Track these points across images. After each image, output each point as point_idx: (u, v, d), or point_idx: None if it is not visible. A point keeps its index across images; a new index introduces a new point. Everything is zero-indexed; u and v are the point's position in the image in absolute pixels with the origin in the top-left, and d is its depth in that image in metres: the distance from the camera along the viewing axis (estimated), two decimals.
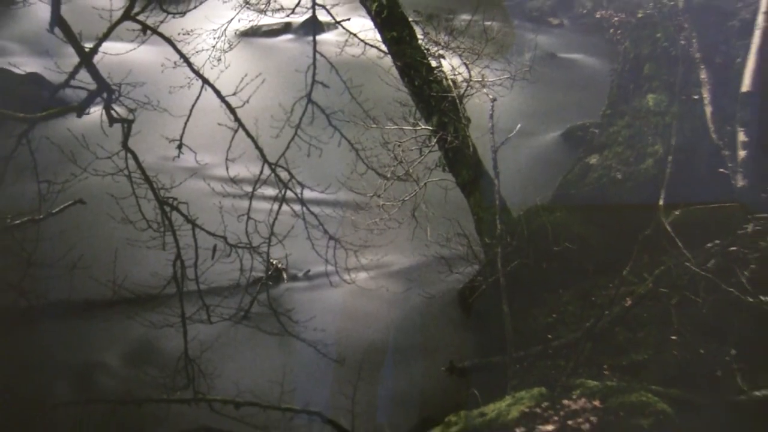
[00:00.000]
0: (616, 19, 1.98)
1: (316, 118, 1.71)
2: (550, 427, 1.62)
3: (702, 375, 1.70)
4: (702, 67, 1.71)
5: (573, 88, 1.90)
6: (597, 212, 1.73)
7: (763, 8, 1.70)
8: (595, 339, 1.75)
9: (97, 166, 1.65)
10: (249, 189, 1.74)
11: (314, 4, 1.66)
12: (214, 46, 1.69)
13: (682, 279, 1.74)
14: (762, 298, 1.68)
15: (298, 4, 1.67)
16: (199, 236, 1.70)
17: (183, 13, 1.65)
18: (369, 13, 1.69)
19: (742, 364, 1.67)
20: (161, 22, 1.64)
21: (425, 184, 1.76)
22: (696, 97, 1.73)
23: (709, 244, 1.70)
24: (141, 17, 1.62)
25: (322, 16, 1.69)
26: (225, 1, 1.75)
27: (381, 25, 1.68)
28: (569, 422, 1.64)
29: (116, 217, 1.65)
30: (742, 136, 1.65)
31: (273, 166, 1.72)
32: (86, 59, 1.63)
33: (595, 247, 1.74)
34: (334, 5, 1.71)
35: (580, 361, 1.73)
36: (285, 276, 1.80)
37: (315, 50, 1.64)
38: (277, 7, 1.73)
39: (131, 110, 1.67)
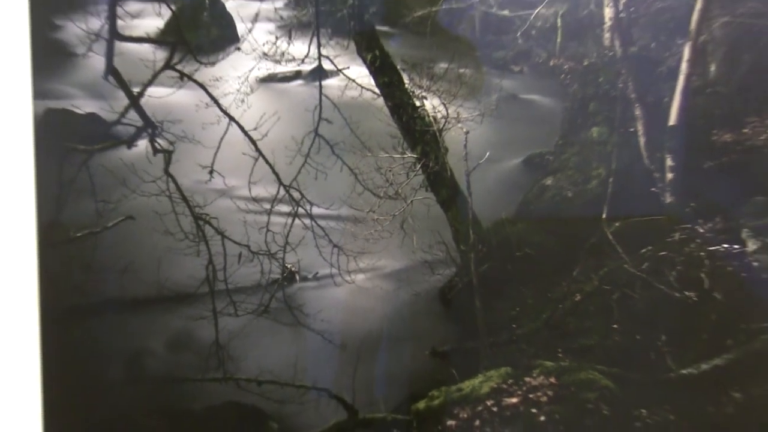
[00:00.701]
0: (566, 66, 2.06)
1: (322, 149, 1.85)
2: (514, 400, 1.72)
3: (638, 357, 1.78)
4: (636, 105, 1.88)
5: (531, 123, 1.97)
6: (552, 224, 1.93)
7: (685, 57, 1.83)
8: (551, 328, 1.86)
9: (143, 189, 1.77)
10: (267, 206, 1.86)
11: (320, 55, 1.81)
12: (238, 90, 1.82)
13: (622, 278, 1.85)
14: (686, 293, 1.76)
15: (306, 56, 1.81)
16: (227, 245, 1.81)
17: (213, 63, 1.83)
18: (365, 62, 1.85)
19: (670, 347, 1.75)
20: (195, 70, 1.80)
21: (411, 201, 1.88)
22: (632, 129, 1.89)
23: (643, 250, 1.83)
24: (179, 67, 1.78)
25: (327, 65, 1.84)
26: (247, 54, 1.93)
27: (375, 72, 1.86)
28: (530, 396, 1.74)
29: (159, 230, 1.76)
30: (669, 162, 1.84)
31: (287, 188, 1.86)
32: (134, 101, 1.77)
33: (550, 253, 1.89)
34: (336, 56, 1.83)
35: (539, 346, 1.84)
36: (297, 277, 1.90)
37: (321, 93, 1.86)
38: (290, 58, 1.87)
39: (171, 143, 1.80)
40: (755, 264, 1.73)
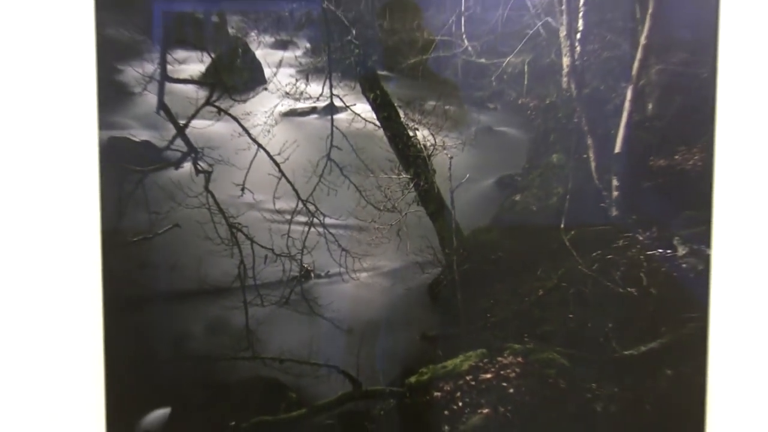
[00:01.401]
0: (531, 104, 2.06)
1: (333, 170, 1.90)
2: (488, 375, 1.82)
3: (589, 340, 1.85)
4: (588, 136, 1.92)
5: (503, 150, 1.92)
6: (519, 232, 1.96)
7: (628, 97, 1.85)
8: (518, 317, 1.91)
9: (187, 202, 1.85)
10: (288, 217, 1.91)
11: (332, 94, 1.88)
12: (265, 122, 1.88)
13: (576, 277, 1.90)
14: (628, 289, 1.84)
15: (321, 95, 1.87)
16: (255, 249, 1.88)
17: (245, 101, 1.86)
18: (368, 100, 1.91)
19: (615, 333, 1.83)
20: (230, 106, 1.85)
21: (406, 213, 1.92)
22: (585, 156, 1.92)
23: (594, 254, 1.89)
24: (217, 103, 1.85)
25: (337, 103, 1.90)
26: (272, 93, 1.86)
27: (376, 108, 1.93)
28: (501, 372, 1.83)
29: (200, 236, 1.85)
30: (615, 182, 1.90)
31: (304, 202, 1.90)
32: (180, 131, 1.84)
33: (518, 256, 1.94)
34: (345, 95, 1.90)
35: (509, 332, 1.90)
36: (312, 275, 1.94)
37: (332, 125, 1.92)
38: (307, 96, 1.88)
39: (210, 165, 1.85)
40: (684, 266, 1.79)
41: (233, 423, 1.87)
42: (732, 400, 1.89)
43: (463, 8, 1.81)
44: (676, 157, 1.82)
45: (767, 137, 1.83)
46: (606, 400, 1.85)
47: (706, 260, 1.81)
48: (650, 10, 1.78)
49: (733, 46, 1.81)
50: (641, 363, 1.85)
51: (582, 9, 1.80)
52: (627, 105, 1.83)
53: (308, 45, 1.84)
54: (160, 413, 1.86)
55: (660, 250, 1.84)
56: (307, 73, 1.84)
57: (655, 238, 1.84)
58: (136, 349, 1.84)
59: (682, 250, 1.84)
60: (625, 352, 1.85)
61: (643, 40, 1.79)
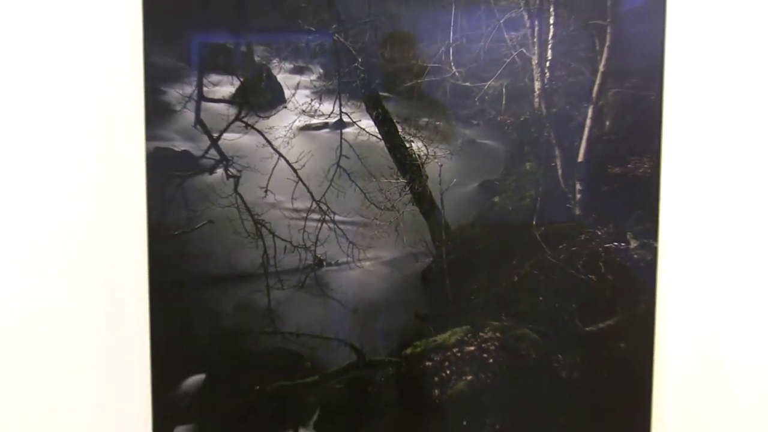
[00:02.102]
0: (509, 121, 1.80)
1: (342, 176, 1.99)
2: (472, 348, 1.95)
3: (556, 319, 1.99)
4: (556, 147, 2.02)
5: (484, 159, 2.02)
6: (498, 228, 2.04)
7: (589, 116, 1.97)
8: (497, 299, 2.01)
9: (219, 202, 1.95)
10: (304, 215, 2.00)
11: (341, 112, 1.97)
12: (285, 135, 1.98)
13: (546, 266, 2.01)
14: (589, 276, 1.97)
15: (332, 113, 1.97)
16: (276, 241, 1.98)
17: (268, 117, 1.96)
18: (371, 117, 1.99)
19: (578, 313, 1.98)
20: (255, 122, 1.95)
21: (403, 212, 2.01)
22: (553, 164, 2.01)
23: (561, 246, 2.00)
24: (245, 119, 1.95)
25: (345, 119, 1.99)
26: (291, 111, 1.96)
27: (378, 123, 2.00)
28: (483, 345, 1.96)
29: (230, 230, 1.95)
30: (578, 186, 2.01)
31: (318, 202, 2.00)
32: (214, 143, 1.94)
33: (497, 248, 2.02)
34: (352, 113, 1.99)
35: (489, 312, 2.00)
36: (324, 263, 2.03)
37: (341, 138, 2.00)
38: (320, 114, 1.98)
39: (239, 171, 1.95)
40: (635, 256, 1.94)
41: (257, 387, 1.98)
42: (675, 368, 2.04)
43: (451, 40, 1.90)
44: (629, 165, 1.94)
45: (705, 149, 1.99)
46: (570, 368, 1.99)
47: (653, 252, 1.95)
48: (607, 43, 1.91)
49: (676, 73, 1.95)
50: (599, 337, 1.99)
51: (551, 42, 1.91)
52: (588, 122, 1.96)
53: (321, 71, 1.94)
54: (197, 378, 1.98)
55: (615, 243, 1.96)
56: (320, 94, 1.94)
57: (612, 233, 1.97)
58: (176, 325, 1.95)
59: (633, 243, 1.97)
60: (586, 329, 1.98)
61: (601, 68, 1.92)
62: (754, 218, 2.04)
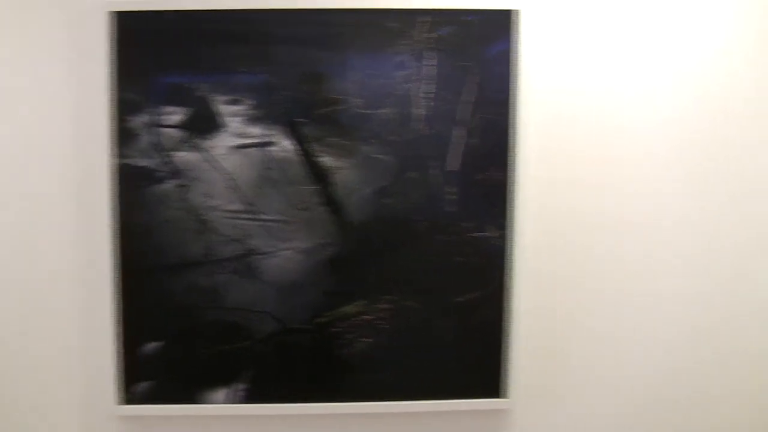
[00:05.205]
0: (398, 140, 2.21)
1: (268, 184, 2.21)
2: (370, 317, 2.26)
3: (436, 292, 2.29)
4: (435, 160, 2.28)
5: (379, 170, 2.25)
6: (390, 223, 2.28)
7: (460, 135, 2.21)
8: (390, 279, 2.30)
9: (172, 206, 2.20)
10: (238, 215, 2.24)
11: (268, 134, 2.18)
12: (223, 153, 2.21)
13: (428, 252, 2.30)
14: (461, 258, 2.27)
15: (260, 134, 2.18)
16: (217, 236, 2.24)
17: (210, 138, 2.18)
18: (292, 138, 2.20)
19: (452, 287, 2.30)
20: (201, 142, 2.19)
21: (315, 212, 2.25)
22: (432, 173, 2.26)
23: (438, 236, 2.28)
24: (192, 140, 2.17)
25: (272, 139, 2.20)
26: (228, 134, 2.19)
27: (297, 143, 2.21)
28: (378, 314, 2.27)
29: (181, 228, 2.22)
30: (452, 190, 2.27)
31: (249, 205, 2.21)
32: (168, 159, 2.18)
33: (390, 239, 2.29)
34: (276, 135, 2.21)
35: (383, 289, 2.29)
36: (254, 253, 2.27)
37: (268, 154, 2.18)
38: (251, 135, 2.19)
39: (187, 181, 2.20)
40: (495, 243, 2.28)
41: (204, 350, 2.20)
42: (524, 329, 2.36)
43: (354, 78, 2.11)
44: (488, 173, 2.23)
45: (549, 160, 2.36)
46: (444, 330, 2.27)
47: (510, 240, 2.26)
48: (476, 80, 2.14)
49: (526, 104, 2.21)
50: (468, 306, 2.27)
51: (430, 79, 2.14)
52: (460, 140, 2.25)
53: (252, 102, 2.11)
54: (156, 345, 2.19)
55: (479, 234, 2.24)
56: (251, 120, 2.13)
57: (477, 226, 2.24)
58: (140, 303, 2.17)
59: (493, 233, 2.32)
60: (457, 299, 2.26)
61: (471, 99, 2.15)
62: (581, 212, 2.42)
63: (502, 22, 2.14)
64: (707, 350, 2.38)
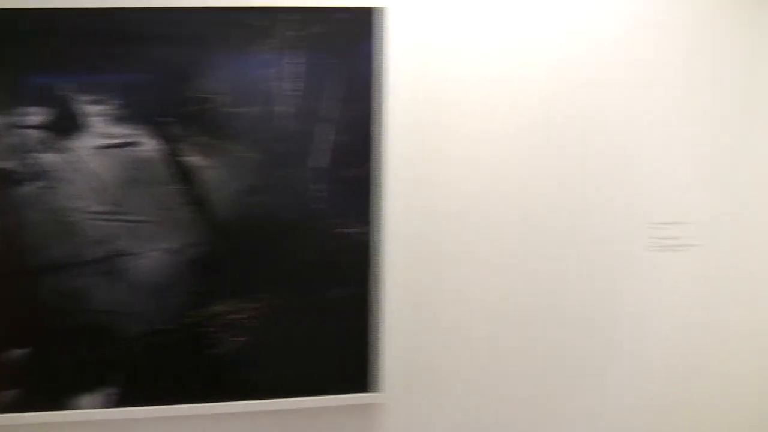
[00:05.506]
0: (266, 137, 2.27)
1: (134, 183, 2.22)
2: (240, 315, 2.27)
3: (306, 289, 2.32)
4: (304, 157, 2.33)
5: (247, 168, 2.32)
6: (257, 221, 2.30)
7: (329, 132, 2.26)
8: (259, 277, 2.33)
9: (38, 208, 2.17)
10: (105, 216, 2.22)
11: (130, 134, 2.18)
12: (88, 153, 2.19)
13: (296, 246, 2.33)
14: (328, 253, 2.29)
15: (125, 134, 2.18)
16: (84, 237, 2.23)
17: (74, 139, 2.14)
18: (158, 137, 2.19)
19: (322, 282, 2.34)
20: (65, 142, 2.18)
21: (183, 211, 2.27)
22: (302, 169, 2.30)
23: (307, 232, 2.33)
24: (56, 141, 2.13)
25: (138, 139, 2.20)
26: (92, 135, 2.18)
27: (164, 142, 2.21)
28: (248, 313, 2.30)
29: (47, 229, 2.16)
30: (321, 186, 2.32)
31: (115, 205, 2.21)
32: (30, 160, 2.13)
33: (257, 236, 2.32)
34: (140, 135, 2.22)
35: (252, 287, 2.32)
36: (122, 253, 2.31)
37: (133, 154, 2.19)
38: (116, 135, 2.19)
39: (51, 182, 2.16)
40: (362, 239, 2.29)
41: (73, 354, 2.19)
42: (395, 323, 2.46)
43: (221, 76, 2.15)
44: (357, 168, 2.30)
45: (415, 156, 2.45)
46: (315, 327, 2.36)
47: (377, 235, 2.32)
48: (344, 78, 2.22)
49: (392, 101, 2.31)
50: (338, 302, 2.36)
51: (299, 78, 2.19)
52: (327, 137, 2.31)
53: (118, 101, 2.12)
54: (22, 352, 2.20)
55: (347, 230, 2.31)
56: (116, 120, 2.13)
57: (345, 222, 2.30)
58: (4, 306, 2.15)
59: (361, 229, 2.39)
60: (327, 295, 2.36)
61: (338, 96, 2.23)
62: (448, 208, 2.51)
63: (368, 20, 2.21)
64: (570, 337, 2.59)
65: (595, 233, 2.50)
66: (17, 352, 2.20)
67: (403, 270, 2.39)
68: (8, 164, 2.16)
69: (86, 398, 2.24)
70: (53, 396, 2.23)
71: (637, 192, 2.50)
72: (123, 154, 2.20)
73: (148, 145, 2.21)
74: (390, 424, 2.41)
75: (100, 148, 2.19)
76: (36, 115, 2.15)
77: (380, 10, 2.20)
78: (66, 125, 2.16)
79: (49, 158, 2.17)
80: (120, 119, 2.18)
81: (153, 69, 2.14)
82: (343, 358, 2.36)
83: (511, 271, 2.47)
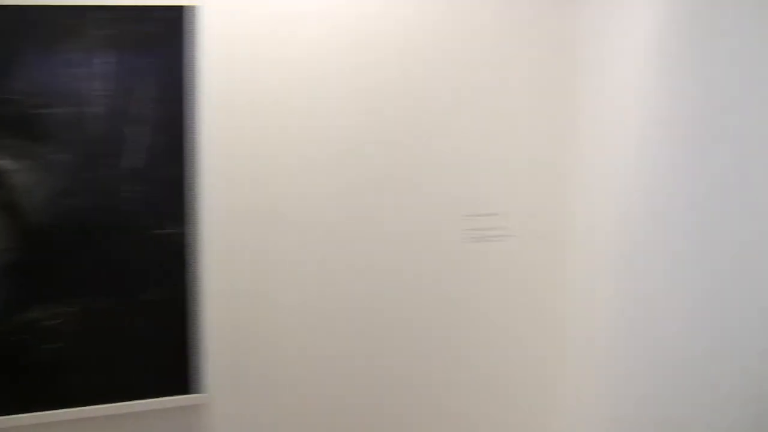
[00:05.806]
0: (78, 138, 2.32)
1: None
2: (57, 321, 2.25)
3: (122, 291, 2.31)
4: (117, 158, 2.34)
5: (60, 170, 2.31)
6: (73, 225, 2.31)
7: (143, 133, 2.27)
8: (75, 282, 2.30)
9: None
10: None
11: None
12: None
13: (113, 252, 2.35)
14: (143, 256, 2.33)
15: None
16: None
17: None
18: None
19: (139, 284, 2.34)
20: None
21: None
22: (115, 171, 2.32)
23: (123, 235, 2.33)
24: None
25: None
26: None
27: None
28: (66, 318, 2.25)
29: None
30: (136, 188, 2.33)
31: None
32: None
33: (72, 242, 2.30)
34: None
35: (69, 293, 2.28)
36: None
37: None
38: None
39: None
40: (177, 239, 2.36)
41: None
42: (216, 323, 2.48)
43: (27, 76, 2.12)
44: (170, 169, 2.38)
45: (231, 155, 2.49)
46: (134, 330, 2.36)
47: (192, 235, 2.36)
48: (156, 77, 2.28)
49: (206, 99, 2.35)
50: (156, 303, 2.39)
51: (110, 77, 2.21)
52: (140, 138, 2.32)
53: None
54: None
55: (163, 231, 2.36)
56: None
57: (160, 223, 2.34)
58: None
59: (177, 230, 2.42)
60: (145, 297, 2.39)
61: (151, 96, 2.25)
62: (265, 206, 2.58)
63: (181, 19, 2.24)
64: (394, 331, 2.70)
65: (411, 227, 2.66)
66: None
67: (221, 269, 2.42)
68: None
69: None
70: None
71: (453, 185, 2.68)
72: None
73: None
74: (214, 424, 2.45)
75: None
76: None
77: (192, 9, 2.23)
78: None
79: None
80: None
81: None
82: (164, 360, 2.36)
83: (331, 270, 2.55)
